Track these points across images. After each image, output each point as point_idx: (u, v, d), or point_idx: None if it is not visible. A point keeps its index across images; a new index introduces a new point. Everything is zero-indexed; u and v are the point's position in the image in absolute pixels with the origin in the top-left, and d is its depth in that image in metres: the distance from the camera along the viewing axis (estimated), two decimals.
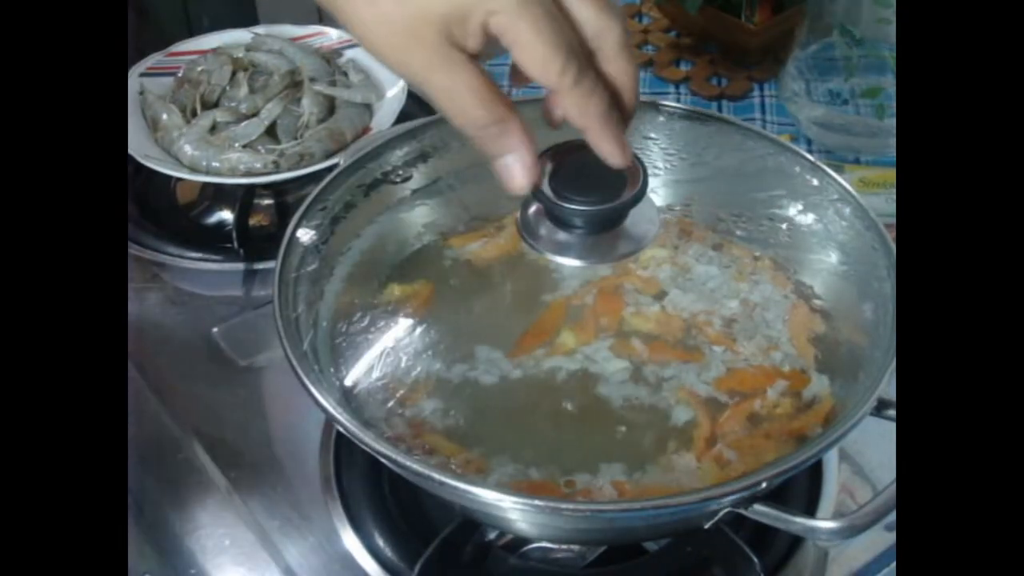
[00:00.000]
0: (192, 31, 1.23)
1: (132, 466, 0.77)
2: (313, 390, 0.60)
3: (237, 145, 1.00)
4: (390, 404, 0.69)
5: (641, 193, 0.60)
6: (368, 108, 1.08)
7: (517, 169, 0.56)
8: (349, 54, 1.16)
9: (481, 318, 0.75)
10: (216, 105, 1.07)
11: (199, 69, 1.10)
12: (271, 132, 1.03)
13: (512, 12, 0.51)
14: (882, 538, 0.70)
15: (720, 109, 1.20)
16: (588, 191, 0.59)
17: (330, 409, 0.60)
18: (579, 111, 0.55)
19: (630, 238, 0.63)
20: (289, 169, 0.98)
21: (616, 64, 0.56)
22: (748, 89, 1.22)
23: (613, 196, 0.60)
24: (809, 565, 0.70)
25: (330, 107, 1.07)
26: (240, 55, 1.12)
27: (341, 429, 0.60)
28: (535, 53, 0.52)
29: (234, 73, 1.10)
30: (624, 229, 0.63)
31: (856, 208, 0.73)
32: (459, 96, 0.53)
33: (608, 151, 0.57)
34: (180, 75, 1.11)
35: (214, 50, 1.13)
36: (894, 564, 0.69)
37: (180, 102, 1.06)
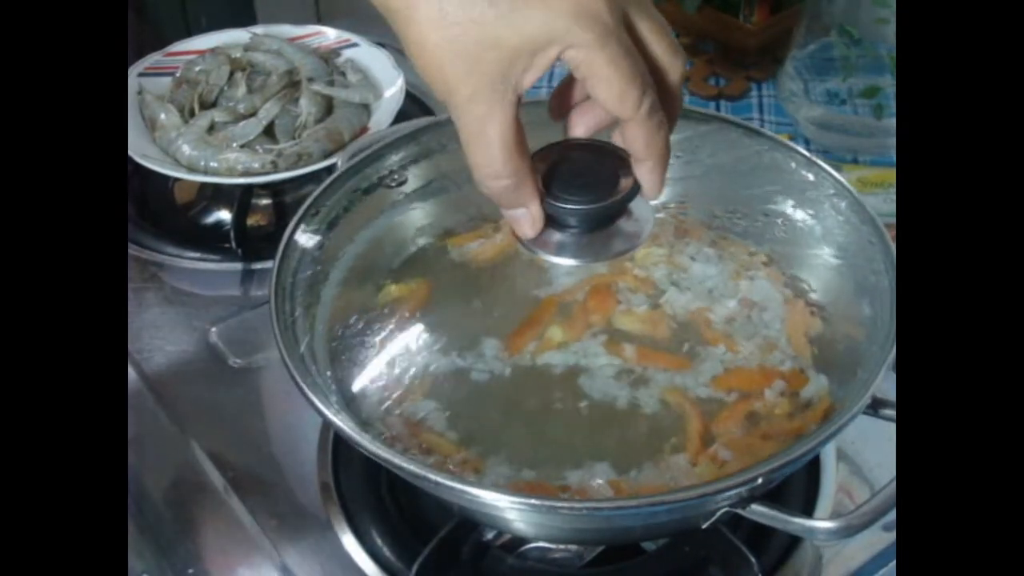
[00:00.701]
0: (190, 31, 1.23)
1: (130, 466, 0.77)
2: (309, 393, 0.60)
3: (235, 145, 1.00)
4: (387, 404, 0.69)
5: (634, 191, 0.60)
6: (366, 108, 1.07)
7: (526, 223, 0.59)
8: (347, 54, 1.16)
9: (478, 318, 0.75)
10: (214, 105, 1.07)
11: (197, 69, 1.09)
12: (269, 132, 1.03)
13: (592, 47, 0.51)
14: (880, 538, 0.70)
15: (718, 109, 1.20)
16: (582, 190, 0.60)
17: (327, 413, 0.60)
18: (646, 143, 0.55)
19: (625, 236, 0.63)
20: (287, 169, 0.98)
21: (672, 100, 0.57)
22: (746, 89, 1.22)
23: (607, 194, 0.60)
24: (807, 565, 0.70)
25: (328, 107, 1.07)
26: (238, 55, 1.12)
27: (338, 432, 0.60)
28: (612, 87, 0.52)
29: (232, 73, 1.09)
30: (619, 227, 0.63)
31: (852, 203, 0.73)
32: (487, 139, 0.53)
33: (653, 184, 0.58)
34: (178, 75, 1.09)
35: (212, 50, 1.13)
36: (892, 564, 0.69)
37: (178, 102, 1.06)
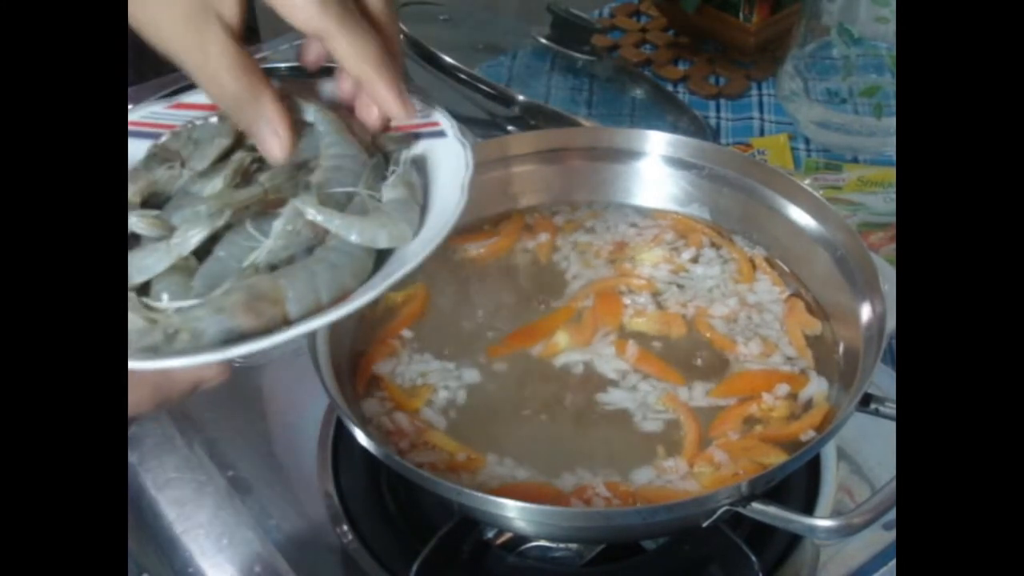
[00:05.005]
0: None
1: (130, 465, 0.77)
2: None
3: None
4: (389, 404, 0.69)
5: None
6: (369, 254, 0.56)
7: (270, 138, 0.56)
8: (423, 146, 0.63)
9: (478, 319, 0.76)
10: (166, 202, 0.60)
11: (189, 136, 0.62)
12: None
13: None
14: (880, 537, 0.70)
15: (718, 108, 1.20)
16: None
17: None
18: (352, 54, 0.54)
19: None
20: (159, 345, 0.51)
21: (379, 10, 0.56)
22: (746, 88, 1.22)
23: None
24: (807, 564, 0.70)
25: (310, 242, 0.56)
26: None
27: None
28: (296, 5, 0.52)
29: (232, 150, 0.61)
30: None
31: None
32: (210, 64, 0.53)
33: (386, 97, 0.56)
34: (161, 141, 0.62)
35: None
36: (892, 563, 0.69)
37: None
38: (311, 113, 0.61)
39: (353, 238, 0.55)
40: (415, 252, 0.55)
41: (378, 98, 0.56)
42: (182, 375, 0.53)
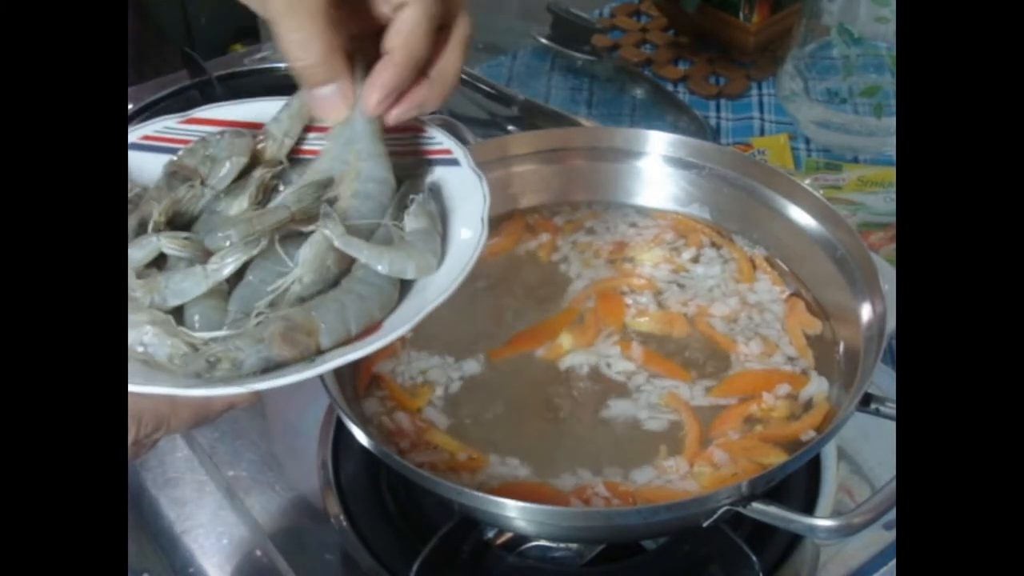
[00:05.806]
0: (191, 30, 1.20)
1: (131, 465, 0.77)
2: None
3: (145, 304, 0.55)
4: (390, 403, 0.69)
5: None
6: (394, 285, 0.57)
7: (336, 99, 0.57)
8: (437, 174, 0.63)
9: (479, 319, 0.75)
10: (193, 221, 0.61)
11: (204, 153, 0.62)
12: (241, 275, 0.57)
13: None
14: (880, 537, 0.70)
15: (718, 108, 1.20)
16: None
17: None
18: (399, 28, 0.55)
19: None
20: (198, 373, 0.53)
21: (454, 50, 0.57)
22: (746, 88, 1.22)
23: None
24: (807, 564, 0.70)
25: (336, 274, 0.57)
26: (278, 141, 0.63)
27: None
28: None
29: (250, 168, 0.62)
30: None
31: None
32: (304, 5, 0.53)
33: (379, 80, 0.56)
34: (179, 155, 0.63)
35: (242, 126, 0.65)
36: (892, 563, 0.69)
37: (144, 211, 0.59)
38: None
39: (381, 269, 0.56)
40: (440, 285, 0.56)
41: (374, 74, 0.56)
42: (220, 399, 0.55)
